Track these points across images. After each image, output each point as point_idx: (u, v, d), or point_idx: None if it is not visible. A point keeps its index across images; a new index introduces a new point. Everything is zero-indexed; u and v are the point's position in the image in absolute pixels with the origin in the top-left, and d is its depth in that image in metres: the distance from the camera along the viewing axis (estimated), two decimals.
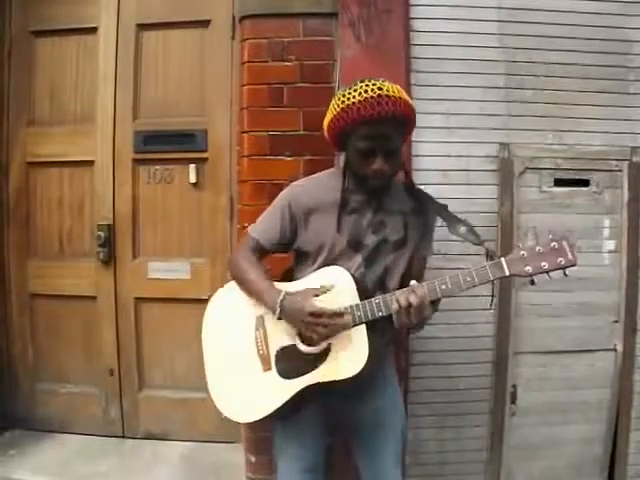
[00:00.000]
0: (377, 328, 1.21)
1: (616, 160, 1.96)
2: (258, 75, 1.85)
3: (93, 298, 2.27)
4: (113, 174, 2.22)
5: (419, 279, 1.21)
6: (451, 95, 1.89)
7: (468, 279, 1.13)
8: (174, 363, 2.26)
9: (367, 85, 1.16)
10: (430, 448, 1.98)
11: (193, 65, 2.18)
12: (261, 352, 1.28)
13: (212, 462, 2.12)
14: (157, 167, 2.21)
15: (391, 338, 1.40)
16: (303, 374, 1.22)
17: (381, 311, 1.17)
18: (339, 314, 1.18)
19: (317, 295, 1.22)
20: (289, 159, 1.84)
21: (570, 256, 1.11)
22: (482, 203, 1.91)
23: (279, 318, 1.24)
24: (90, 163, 2.23)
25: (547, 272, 1.12)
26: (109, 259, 2.23)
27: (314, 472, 1.38)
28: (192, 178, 2.18)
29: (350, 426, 1.42)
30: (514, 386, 1.99)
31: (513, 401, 1.99)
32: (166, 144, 2.17)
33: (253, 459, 1.93)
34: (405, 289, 1.14)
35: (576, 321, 1.98)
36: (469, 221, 1.28)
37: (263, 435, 1.83)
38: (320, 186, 1.33)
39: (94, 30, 2.20)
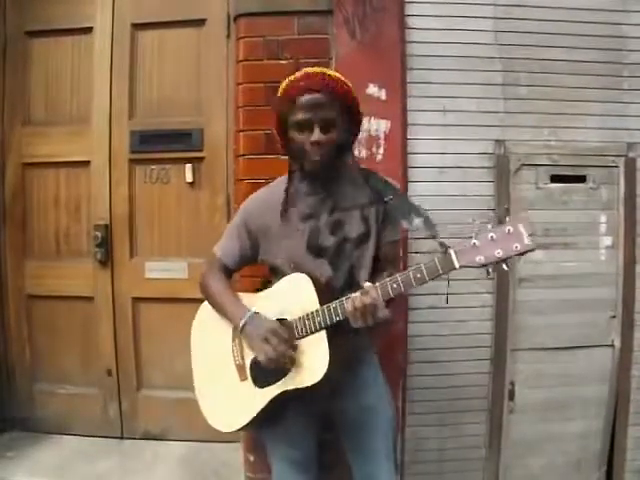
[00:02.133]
0: (347, 330, 1.20)
1: (612, 156, 1.96)
2: (253, 74, 1.85)
3: (90, 298, 2.27)
4: (109, 174, 2.21)
5: (395, 266, 1.23)
6: (446, 92, 1.89)
7: (418, 276, 1.08)
8: (172, 363, 2.25)
9: (301, 71, 1.25)
10: (429, 446, 1.98)
11: (189, 64, 2.17)
12: (237, 362, 1.31)
13: (211, 462, 2.12)
14: (153, 167, 2.21)
15: (368, 338, 1.39)
16: (273, 383, 1.23)
17: (338, 315, 1.16)
18: (292, 344, 1.20)
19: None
20: (285, 158, 1.82)
21: (527, 240, 1.00)
22: (478, 200, 1.91)
23: (241, 332, 1.26)
24: (86, 163, 2.23)
25: (502, 260, 1.03)
26: (106, 259, 2.22)
27: (306, 472, 1.39)
28: (189, 178, 2.17)
29: (338, 424, 1.42)
30: (512, 383, 1.99)
31: (511, 398, 1.99)
32: (162, 144, 2.17)
33: (252, 458, 1.93)
34: (359, 291, 1.11)
35: (573, 317, 1.98)
36: (424, 211, 1.22)
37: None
38: (272, 196, 1.33)
39: (89, 30, 2.20)
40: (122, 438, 2.30)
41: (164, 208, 2.22)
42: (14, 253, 2.31)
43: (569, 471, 2.05)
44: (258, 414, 1.26)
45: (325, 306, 1.17)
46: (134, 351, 2.27)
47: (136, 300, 2.25)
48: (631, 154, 1.96)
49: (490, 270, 1.05)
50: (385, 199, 1.28)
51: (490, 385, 1.98)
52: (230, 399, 1.31)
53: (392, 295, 1.11)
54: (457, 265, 1.06)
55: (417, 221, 1.21)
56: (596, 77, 1.93)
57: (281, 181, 1.37)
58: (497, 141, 1.92)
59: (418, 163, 1.88)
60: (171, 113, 2.18)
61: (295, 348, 1.20)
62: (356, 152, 1.78)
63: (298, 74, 1.24)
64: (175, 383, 2.24)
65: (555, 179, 1.95)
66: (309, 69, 1.25)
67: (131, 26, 2.17)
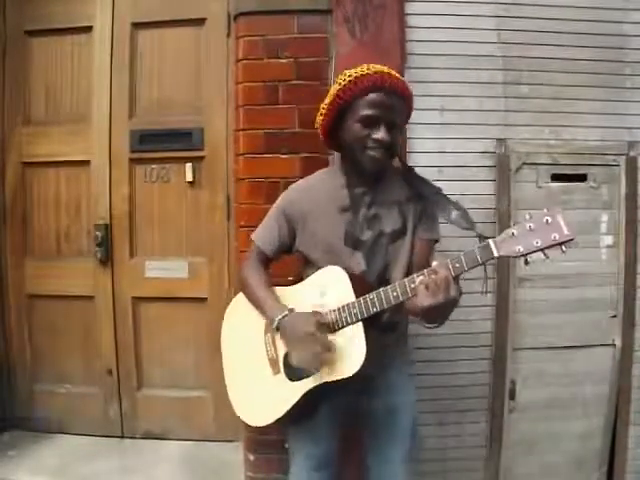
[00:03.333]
0: (384, 324, 1.21)
1: (613, 155, 1.95)
2: (253, 73, 1.85)
3: (91, 298, 2.27)
4: (110, 173, 2.21)
5: (426, 265, 1.18)
6: (447, 91, 1.88)
7: (457, 265, 1.06)
8: (173, 362, 2.26)
9: (370, 66, 1.22)
10: (430, 445, 1.97)
11: (189, 63, 2.17)
12: (270, 356, 1.30)
13: (211, 461, 2.12)
14: (153, 166, 2.21)
15: (401, 337, 1.40)
16: (307, 376, 1.22)
17: (375, 306, 1.15)
18: (330, 347, 1.17)
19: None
20: (285, 157, 1.84)
21: (566, 230, 0.99)
22: (479, 199, 1.90)
23: (277, 329, 1.25)
24: (86, 163, 2.23)
25: (541, 250, 1.01)
26: (106, 259, 2.22)
27: (325, 470, 1.39)
28: (189, 177, 2.17)
29: (362, 423, 1.42)
30: (513, 382, 1.98)
31: (512, 397, 1.99)
32: (162, 143, 2.17)
33: (252, 458, 1.93)
34: (426, 270, 1.08)
35: (574, 316, 1.97)
36: (463, 205, 1.23)
37: (262, 435, 1.83)
38: (315, 187, 1.34)
39: (89, 29, 2.20)
40: (122, 437, 2.30)
41: (164, 207, 2.22)
42: (14, 252, 2.31)
43: (570, 470, 2.05)
44: (291, 409, 1.24)
45: (362, 297, 1.17)
46: (134, 350, 2.27)
47: (136, 299, 2.25)
48: (632, 153, 1.95)
49: (529, 260, 1.03)
50: (424, 194, 1.29)
51: (491, 384, 1.98)
52: (262, 393, 1.30)
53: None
54: (496, 254, 1.04)
55: (455, 214, 1.21)
56: (597, 75, 1.92)
57: (325, 174, 1.38)
58: (498, 140, 1.91)
59: (418, 162, 1.86)
60: (171, 112, 2.17)
61: (330, 349, 1.18)
62: None
63: (370, 69, 1.21)
64: (175, 382, 2.25)
65: (556, 178, 1.94)
66: (379, 66, 1.22)
67: (131, 25, 2.17)
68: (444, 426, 1.98)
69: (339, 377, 1.17)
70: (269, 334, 1.31)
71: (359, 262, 1.27)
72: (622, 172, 1.96)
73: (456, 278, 1.07)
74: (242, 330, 1.38)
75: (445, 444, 1.99)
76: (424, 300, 1.04)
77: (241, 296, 1.41)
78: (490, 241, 1.05)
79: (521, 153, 1.92)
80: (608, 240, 1.98)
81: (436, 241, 1.35)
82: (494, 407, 1.98)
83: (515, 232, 1.03)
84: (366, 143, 1.21)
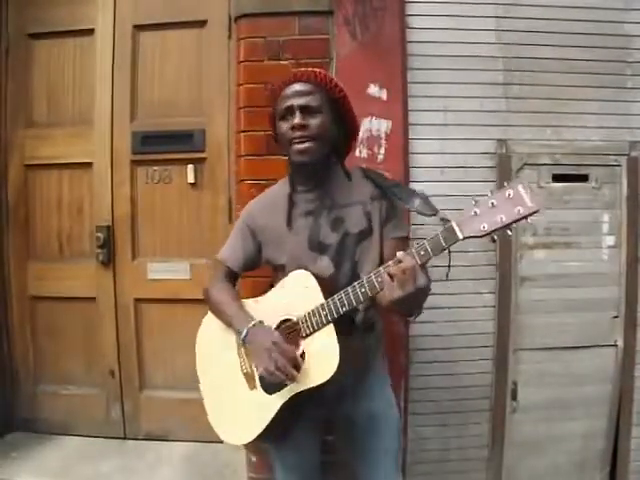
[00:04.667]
0: (360, 324, 1.20)
1: (615, 155, 1.95)
2: (254, 74, 1.85)
3: (93, 299, 2.27)
4: (111, 175, 2.22)
5: None
6: (448, 92, 1.88)
7: (422, 253, 1.02)
8: (175, 363, 2.26)
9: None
10: (431, 446, 1.98)
11: (190, 65, 2.18)
12: (245, 371, 1.28)
13: (214, 462, 2.12)
14: (155, 168, 2.22)
15: (378, 338, 1.38)
16: (283, 387, 1.20)
17: (344, 306, 1.13)
18: (297, 363, 1.15)
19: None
20: (286, 158, 1.83)
21: (529, 202, 0.95)
22: None
23: (243, 342, 1.24)
24: (88, 165, 2.24)
25: (507, 226, 0.97)
26: (108, 260, 2.23)
27: (310, 477, 1.39)
28: (190, 178, 2.18)
29: (342, 430, 1.40)
30: (515, 383, 1.98)
31: (514, 398, 1.98)
32: (164, 145, 2.18)
33: (254, 459, 1.93)
34: (392, 261, 1.04)
35: (576, 317, 1.97)
36: (424, 193, 1.20)
37: None
38: (272, 198, 1.36)
39: (91, 32, 2.21)
40: (125, 439, 2.30)
41: (166, 209, 2.23)
42: (17, 254, 2.32)
43: (572, 471, 2.04)
44: (270, 422, 1.22)
45: (330, 299, 1.15)
46: (137, 352, 2.27)
47: (138, 301, 2.26)
48: (633, 153, 1.95)
49: (495, 238, 1.00)
50: (385, 191, 1.28)
51: (493, 385, 1.98)
52: (241, 410, 1.28)
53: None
54: (460, 236, 1.00)
55: (417, 202, 1.19)
56: (599, 76, 1.92)
57: (281, 183, 1.38)
58: (499, 140, 1.91)
59: (419, 163, 1.88)
60: (173, 114, 2.18)
61: (297, 364, 1.16)
62: (357, 152, 1.80)
63: (285, 76, 1.29)
64: (178, 384, 2.25)
65: (557, 178, 1.94)
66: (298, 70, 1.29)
67: (132, 27, 2.18)
68: (446, 427, 1.98)
69: (314, 384, 1.15)
70: (243, 349, 1.29)
71: (327, 265, 1.26)
72: (623, 172, 1.96)
73: (423, 265, 1.04)
74: (215, 349, 1.36)
75: (447, 445, 1.99)
76: (393, 292, 1.01)
77: (210, 316, 1.41)
78: (452, 223, 1.01)
79: (522, 154, 1.92)
80: (610, 240, 1.97)
81: (406, 238, 1.33)
82: (496, 408, 1.98)
83: (477, 211, 0.99)
84: (289, 136, 1.23)
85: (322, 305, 1.16)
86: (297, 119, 1.20)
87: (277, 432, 1.27)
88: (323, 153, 1.25)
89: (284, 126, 1.24)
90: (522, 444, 2.01)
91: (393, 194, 1.26)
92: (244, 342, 1.24)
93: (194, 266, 2.21)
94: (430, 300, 1.82)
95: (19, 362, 2.36)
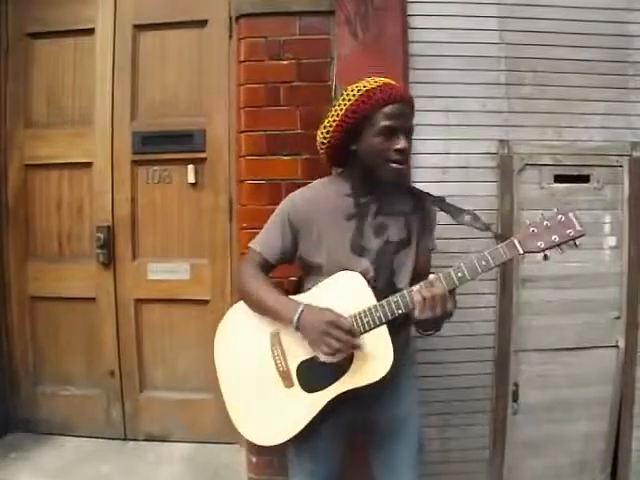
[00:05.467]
0: (395, 329, 1.19)
1: (616, 155, 1.95)
2: (255, 74, 1.84)
3: (93, 300, 2.27)
4: (112, 175, 2.21)
5: (426, 273, 1.19)
6: (449, 92, 1.88)
7: (483, 263, 1.12)
8: (175, 364, 2.26)
9: (373, 78, 1.25)
10: (432, 447, 1.97)
11: (191, 65, 2.17)
12: (281, 369, 1.24)
13: (214, 463, 2.11)
14: (155, 168, 2.21)
15: (408, 339, 1.39)
16: (328, 385, 1.19)
17: (400, 309, 1.15)
18: (354, 332, 1.15)
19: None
20: (286, 158, 1.83)
21: (578, 227, 1.11)
22: (482, 200, 1.90)
23: (297, 328, 1.19)
24: (88, 165, 2.23)
25: (559, 245, 1.11)
26: (109, 261, 2.22)
27: None
28: (191, 178, 2.17)
29: (368, 434, 1.39)
30: (516, 384, 1.98)
31: (515, 399, 1.98)
32: (164, 145, 2.17)
33: (254, 459, 1.93)
34: (423, 282, 1.12)
35: (578, 318, 1.97)
36: (471, 209, 1.30)
37: None
38: (319, 194, 1.32)
39: (91, 31, 2.20)
40: (125, 439, 2.29)
41: (166, 209, 2.22)
42: (17, 255, 2.31)
43: (573, 473, 2.04)
44: (311, 422, 1.20)
45: (385, 300, 1.16)
46: (137, 352, 2.26)
47: (139, 301, 2.25)
48: (635, 153, 1.95)
49: (548, 255, 1.12)
50: (427, 207, 1.34)
51: (494, 386, 1.97)
52: (275, 410, 1.24)
53: (457, 284, 1.13)
54: (521, 251, 1.12)
55: (467, 218, 1.28)
56: (601, 76, 1.92)
57: (328, 181, 1.36)
58: (501, 141, 1.91)
59: (421, 163, 1.87)
60: (173, 114, 2.17)
61: (356, 336, 1.16)
62: None
63: (377, 81, 1.23)
64: (178, 384, 2.25)
65: (559, 179, 1.94)
66: (382, 78, 1.25)
67: (133, 27, 2.17)
68: (447, 428, 1.98)
69: (364, 383, 1.15)
70: (277, 346, 1.25)
71: (367, 269, 1.26)
72: (625, 173, 1.95)
73: (454, 289, 1.14)
74: (242, 346, 1.31)
75: (448, 446, 1.99)
76: (423, 313, 1.10)
77: (235, 312, 1.34)
78: (514, 239, 1.12)
79: (524, 154, 1.91)
80: (611, 241, 1.97)
81: (432, 249, 1.40)
82: (497, 409, 1.98)
83: (535, 230, 1.12)
84: (388, 156, 1.21)
85: (375, 306, 1.17)
86: (403, 143, 1.20)
87: (301, 434, 1.23)
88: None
89: (383, 144, 1.20)
90: (523, 445, 2.01)
91: (442, 208, 1.32)
92: (297, 327, 1.19)
93: (194, 266, 2.20)
94: None
95: (19, 362, 2.35)
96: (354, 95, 1.21)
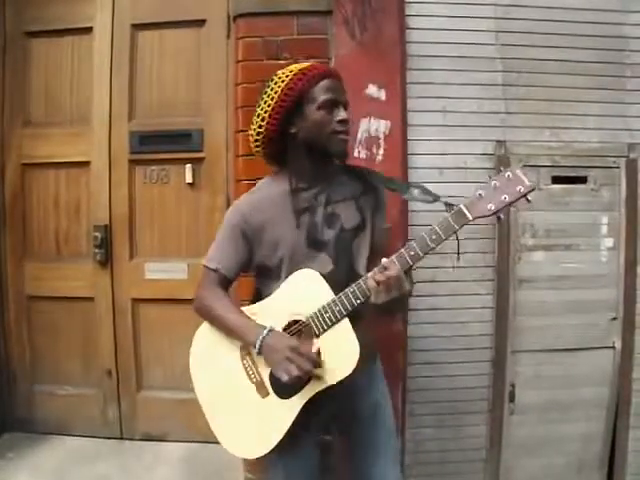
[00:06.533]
0: (361, 320, 1.18)
1: (613, 157, 1.95)
2: (253, 74, 1.84)
3: (90, 299, 2.27)
4: (109, 175, 2.21)
5: (382, 253, 1.19)
6: (447, 93, 1.88)
7: (434, 237, 1.08)
8: (172, 364, 2.25)
9: (305, 64, 1.27)
10: (429, 447, 1.97)
11: (189, 65, 2.17)
12: (254, 380, 1.23)
13: (211, 462, 2.11)
14: (153, 167, 2.21)
15: (374, 329, 1.36)
16: (300, 389, 1.18)
17: (358, 299, 1.13)
18: (315, 359, 1.14)
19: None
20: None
21: (527, 182, 1.05)
22: None
23: (259, 352, 1.19)
24: (86, 164, 2.23)
25: (510, 204, 1.07)
26: (106, 260, 2.22)
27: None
28: (188, 178, 2.17)
29: (346, 423, 1.38)
30: (513, 385, 1.98)
31: (512, 400, 1.98)
32: (162, 144, 2.17)
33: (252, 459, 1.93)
34: (377, 267, 1.10)
35: (574, 319, 1.97)
36: (417, 182, 1.29)
37: None
38: (264, 197, 1.29)
39: (89, 30, 2.20)
40: (122, 439, 2.29)
41: (164, 209, 2.22)
42: (14, 254, 2.31)
43: (570, 473, 2.04)
44: (290, 427, 1.19)
45: (342, 293, 1.14)
46: (134, 352, 2.26)
47: (136, 301, 2.25)
48: (632, 155, 1.95)
49: (502, 216, 1.08)
50: (376, 185, 1.31)
51: (490, 387, 1.98)
52: (255, 421, 1.23)
53: (411, 263, 1.09)
54: (470, 217, 1.07)
55: (415, 191, 1.24)
56: (598, 78, 1.92)
57: (269, 181, 1.34)
58: (498, 142, 1.91)
59: (418, 164, 1.87)
60: (171, 114, 2.17)
61: (317, 362, 1.15)
62: (356, 153, 1.80)
63: (300, 66, 1.25)
64: (175, 384, 2.24)
65: (556, 180, 1.94)
66: (306, 63, 1.28)
67: (131, 26, 2.17)
68: (444, 428, 1.98)
69: (336, 380, 1.14)
70: (247, 358, 1.24)
71: (325, 262, 1.25)
72: (622, 174, 1.96)
73: (412, 267, 1.11)
74: (214, 363, 1.30)
75: (445, 446, 1.99)
76: (379, 297, 1.08)
77: (205, 327, 1.34)
78: (461, 205, 1.08)
79: (521, 155, 1.91)
80: (608, 242, 1.97)
81: (387, 228, 1.39)
82: (494, 409, 1.98)
83: (482, 193, 1.07)
84: (333, 127, 1.21)
85: (333, 301, 1.15)
86: (345, 114, 1.22)
87: (285, 438, 1.22)
88: None
89: (326, 116, 1.21)
90: (520, 445, 2.01)
91: (389, 187, 1.30)
92: (259, 353, 1.19)
93: (192, 266, 2.20)
94: (428, 301, 1.86)
95: (16, 362, 2.34)
96: (287, 76, 1.22)
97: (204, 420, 1.30)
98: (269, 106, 1.22)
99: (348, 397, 1.30)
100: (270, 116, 1.22)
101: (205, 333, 1.34)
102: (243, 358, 1.26)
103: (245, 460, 1.95)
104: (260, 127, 1.24)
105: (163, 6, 2.15)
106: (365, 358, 1.20)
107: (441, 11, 1.86)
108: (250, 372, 1.24)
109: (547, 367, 1.98)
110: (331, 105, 1.21)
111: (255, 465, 1.93)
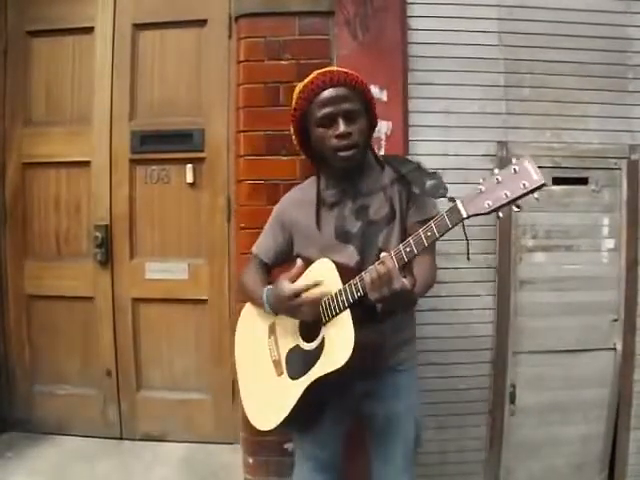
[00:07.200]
0: (373, 323, 1.19)
1: (615, 158, 1.95)
2: (254, 74, 1.84)
3: (90, 299, 2.26)
4: (110, 174, 2.21)
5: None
6: (448, 94, 1.88)
7: (429, 234, 1.02)
8: (172, 364, 2.25)
9: (317, 70, 1.29)
10: (430, 448, 1.96)
11: (190, 65, 2.17)
12: (274, 358, 1.32)
13: (210, 463, 2.11)
14: (154, 167, 2.20)
15: (408, 335, 1.39)
16: (305, 373, 1.22)
17: (359, 291, 1.12)
18: (313, 285, 1.20)
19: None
20: (285, 159, 1.83)
21: (535, 176, 0.91)
22: None
23: (275, 313, 1.30)
24: (87, 163, 2.22)
25: (512, 202, 0.94)
26: (106, 260, 2.22)
27: (329, 472, 1.40)
28: (189, 178, 2.17)
29: (365, 427, 1.41)
30: (513, 386, 1.98)
31: (512, 401, 1.98)
32: (163, 144, 2.16)
33: (251, 460, 1.93)
34: (376, 262, 1.07)
35: (575, 320, 1.96)
36: (439, 174, 1.20)
37: (261, 437, 1.82)
38: (302, 193, 1.41)
39: (90, 30, 2.19)
40: (121, 439, 2.29)
41: (165, 209, 2.21)
42: (14, 253, 2.30)
43: (570, 474, 2.04)
44: (294, 408, 1.24)
45: (347, 284, 1.16)
46: (134, 352, 2.26)
47: (136, 301, 2.25)
48: (633, 156, 1.95)
49: (500, 215, 0.97)
50: (404, 174, 1.27)
51: (491, 388, 1.97)
52: (269, 396, 1.32)
53: (407, 259, 1.05)
54: (465, 214, 0.97)
55: (428, 184, 1.19)
56: (599, 79, 1.92)
57: (310, 180, 1.43)
58: (499, 143, 1.91)
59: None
60: (172, 113, 2.17)
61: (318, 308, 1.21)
62: None
63: (315, 73, 1.27)
64: (175, 384, 2.25)
65: (557, 181, 1.94)
66: (325, 69, 1.29)
67: (132, 26, 2.17)
68: (444, 429, 1.98)
69: (331, 369, 1.15)
70: (272, 336, 1.34)
71: (352, 254, 1.28)
72: (623, 175, 1.95)
73: (408, 262, 1.07)
74: (249, 339, 1.43)
75: (445, 447, 1.98)
76: (371, 295, 1.06)
77: (248, 305, 1.46)
78: (457, 201, 0.99)
79: (522, 156, 1.91)
80: (609, 244, 1.97)
81: (432, 218, 1.25)
82: (494, 411, 1.98)
83: (483, 188, 0.96)
84: (332, 144, 1.22)
85: (340, 291, 1.17)
86: (342, 128, 1.21)
87: (300, 421, 1.30)
88: (363, 155, 1.29)
89: (324, 133, 1.23)
90: (520, 447, 2.01)
91: (410, 179, 1.27)
92: (272, 309, 1.29)
93: (192, 266, 2.20)
94: (429, 302, 1.86)
95: (15, 361, 2.34)
96: (296, 94, 1.28)
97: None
98: (292, 110, 1.31)
99: (364, 401, 1.35)
100: (292, 133, 1.34)
101: (247, 310, 1.47)
102: (269, 336, 1.35)
103: (244, 461, 1.95)
104: (294, 140, 1.36)
105: (164, 6, 2.15)
106: (378, 364, 1.23)
107: (443, 12, 1.85)
108: (272, 350, 1.33)
109: (548, 368, 1.97)
110: (328, 120, 1.22)
111: (254, 466, 1.93)
